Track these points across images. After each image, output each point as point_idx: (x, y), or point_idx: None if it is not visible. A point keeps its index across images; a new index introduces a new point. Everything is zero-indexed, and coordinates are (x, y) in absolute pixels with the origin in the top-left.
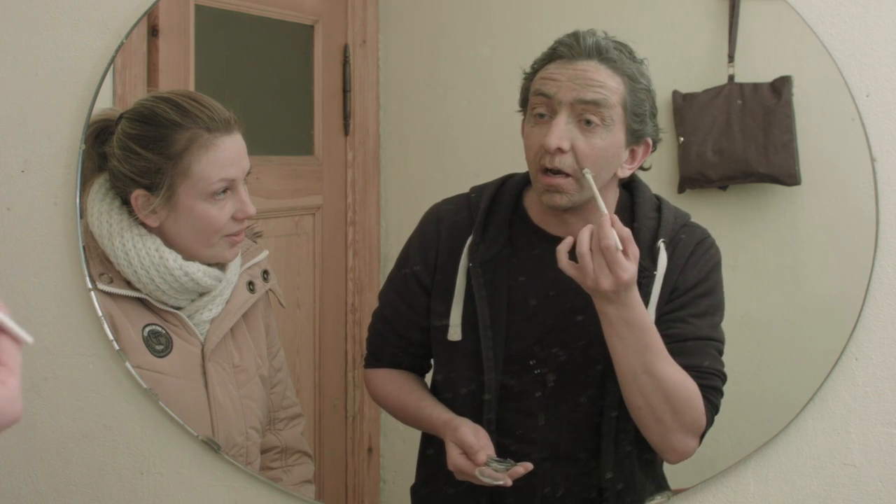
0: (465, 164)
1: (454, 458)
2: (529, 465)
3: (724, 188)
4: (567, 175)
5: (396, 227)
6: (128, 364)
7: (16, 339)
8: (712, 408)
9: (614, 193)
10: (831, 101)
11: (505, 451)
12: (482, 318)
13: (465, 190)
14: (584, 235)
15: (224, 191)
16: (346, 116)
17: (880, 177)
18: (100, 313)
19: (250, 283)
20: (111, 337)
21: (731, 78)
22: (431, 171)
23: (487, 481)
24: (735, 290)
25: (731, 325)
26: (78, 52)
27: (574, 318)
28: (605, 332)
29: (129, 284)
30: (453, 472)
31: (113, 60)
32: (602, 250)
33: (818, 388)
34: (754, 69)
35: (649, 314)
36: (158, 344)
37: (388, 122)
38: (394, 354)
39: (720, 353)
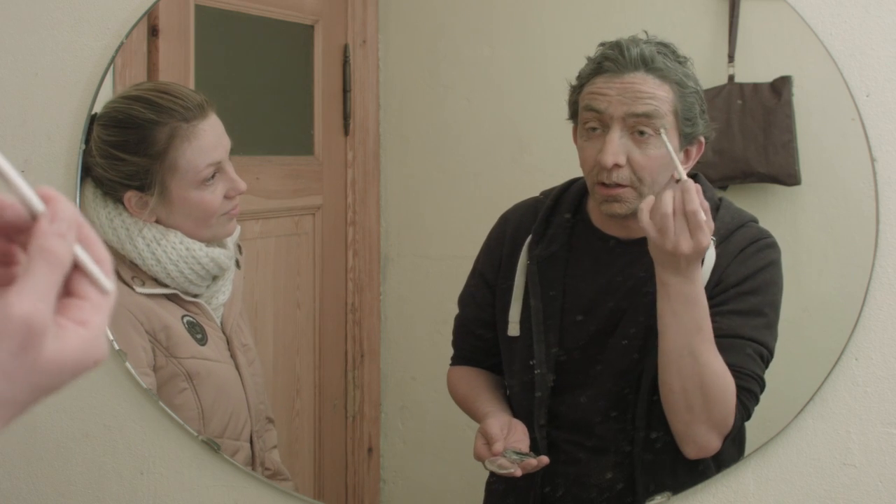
0: (465, 164)
1: (476, 446)
2: (545, 459)
3: (724, 188)
4: (625, 186)
5: (396, 227)
6: (128, 364)
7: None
8: (744, 411)
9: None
10: (831, 101)
11: (558, 447)
12: (535, 315)
13: (465, 190)
14: (668, 197)
15: (213, 175)
16: (346, 116)
17: (880, 177)
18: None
19: (236, 260)
20: (111, 337)
21: (730, 78)
22: (431, 171)
23: (495, 469)
24: None
25: None
26: (78, 52)
27: (627, 331)
28: (659, 308)
29: (157, 282)
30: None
31: (113, 60)
32: (687, 214)
33: (818, 388)
34: (754, 69)
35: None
36: (197, 333)
37: (388, 122)
38: (469, 353)
39: (762, 357)
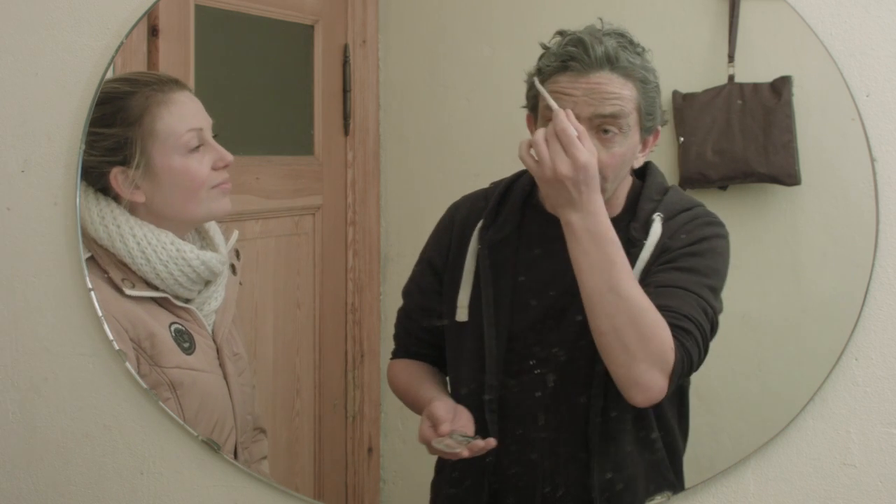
0: (465, 164)
1: (421, 429)
2: (493, 441)
3: (724, 188)
4: None
5: (396, 227)
6: (127, 365)
7: None
8: (683, 351)
9: (627, 181)
10: (831, 101)
11: (505, 450)
12: (485, 298)
13: (465, 190)
14: (540, 130)
15: (197, 147)
16: (346, 116)
17: (880, 177)
18: (100, 313)
19: (232, 266)
20: (111, 337)
21: (731, 78)
22: (431, 171)
23: (442, 449)
24: (735, 290)
25: (731, 325)
26: (78, 52)
27: (574, 317)
28: (570, 252)
29: (148, 285)
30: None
31: (113, 60)
32: (558, 134)
33: (818, 388)
34: (754, 69)
35: (633, 278)
36: (185, 342)
37: (388, 122)
38: (411, 344)
39: (705, 311)
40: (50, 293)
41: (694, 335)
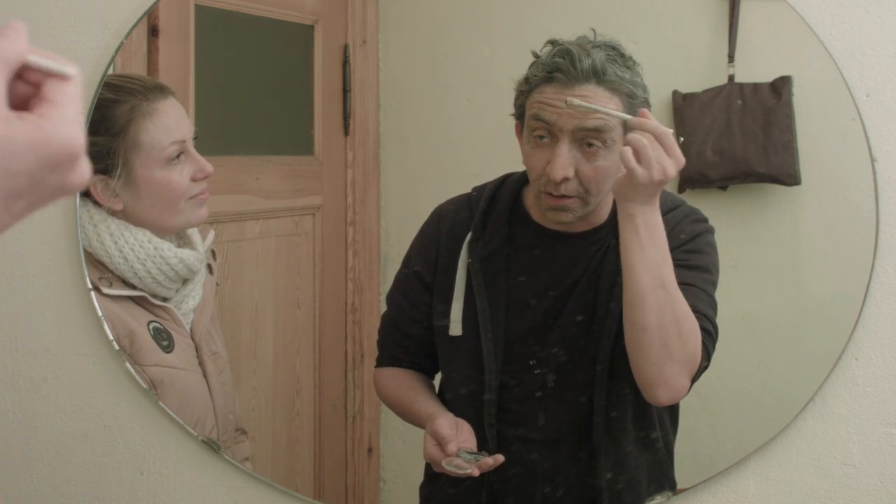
0: (465, 164)
1: (428, 448)
2: (500, 458)
3: (724, 188)
4: (572, 196)
5: (396, 227)
6: (127, 364)
7: (60, 76)
8: (705, 352)
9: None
10: (831, 101)
11: (505, 451)
12: (481, 313)
13: (465, 190)
14: (636, 136)
15: (178, 156)
16: (346, 116)
17: (880, 177)
18: (100, 313)
19: (209, 266)
20: (111, 337)
21: (731, 78)
22: (431, 171)
23: (452, 470)
24: (735, 290)
25: (731, 325)
26: (78, 52)
27: (574, 318)
28: (626, 244)
29: (125, 284)
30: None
31: (113, 60)
32: (659, 137)
33: (818, 388)
34: (754, 69)
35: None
36: (163, 340)
37: (388, 122)
38: (398, 353)
39: (713, 309)
40: (50, 293)
41: (712, 336)
